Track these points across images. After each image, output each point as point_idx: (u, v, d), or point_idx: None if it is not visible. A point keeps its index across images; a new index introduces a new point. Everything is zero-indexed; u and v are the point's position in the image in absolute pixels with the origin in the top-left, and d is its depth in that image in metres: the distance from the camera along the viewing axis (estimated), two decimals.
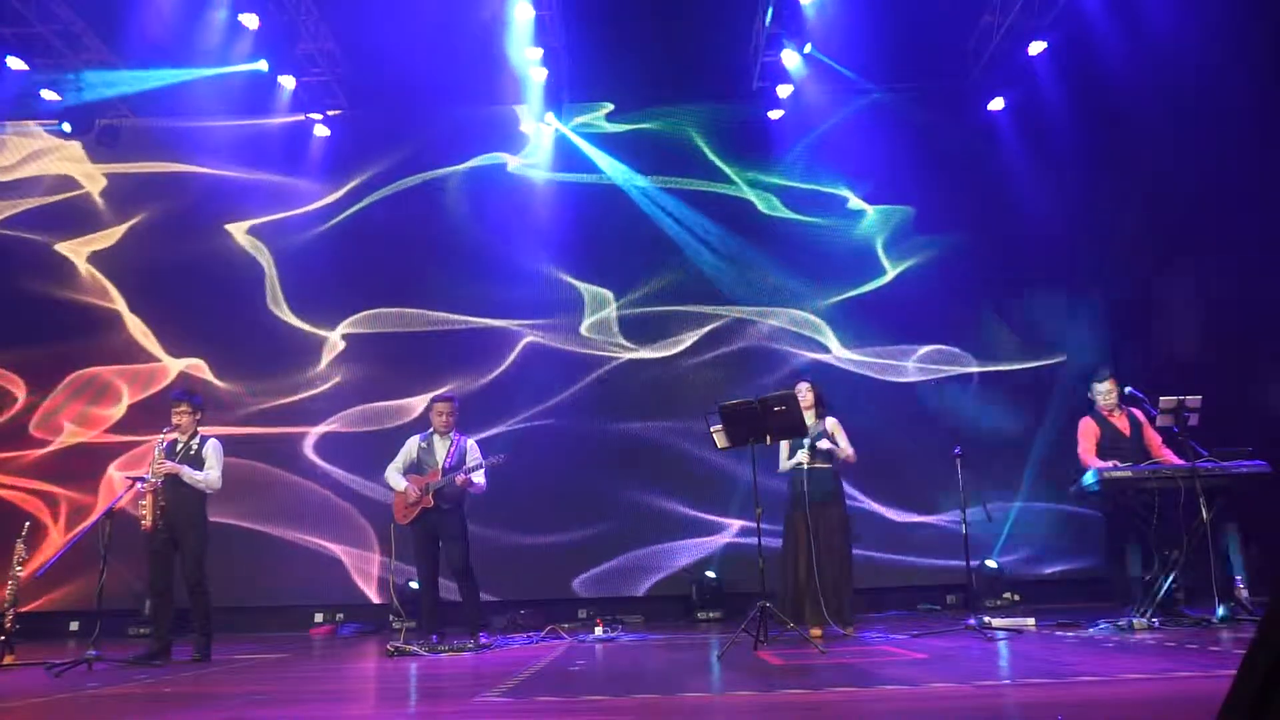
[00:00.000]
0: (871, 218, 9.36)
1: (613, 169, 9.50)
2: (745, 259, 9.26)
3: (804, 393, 6.00)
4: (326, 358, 9.19)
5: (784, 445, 5.99)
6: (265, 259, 9.38)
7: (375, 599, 8.65)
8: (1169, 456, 5.80)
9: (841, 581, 5.80)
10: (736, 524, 8.66)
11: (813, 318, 9.16)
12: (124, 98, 9.22)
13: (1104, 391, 6.09)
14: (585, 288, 9.29)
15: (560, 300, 9.25)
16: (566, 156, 9.55)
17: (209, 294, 9.21)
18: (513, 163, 9.57)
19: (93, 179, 9.56)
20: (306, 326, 9.28)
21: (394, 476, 6.29)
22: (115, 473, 8.84)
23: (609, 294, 9.26)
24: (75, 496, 8.86)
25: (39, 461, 8.96)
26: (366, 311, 9.26)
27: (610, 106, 9.63)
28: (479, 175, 9.51)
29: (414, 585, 7.84)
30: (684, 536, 8.73)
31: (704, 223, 9.35)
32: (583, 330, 9.19)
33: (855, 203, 9.39)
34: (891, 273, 9.22)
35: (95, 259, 9.38)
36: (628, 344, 9.16)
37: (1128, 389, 6.07)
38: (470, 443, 6.45)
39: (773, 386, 7.45)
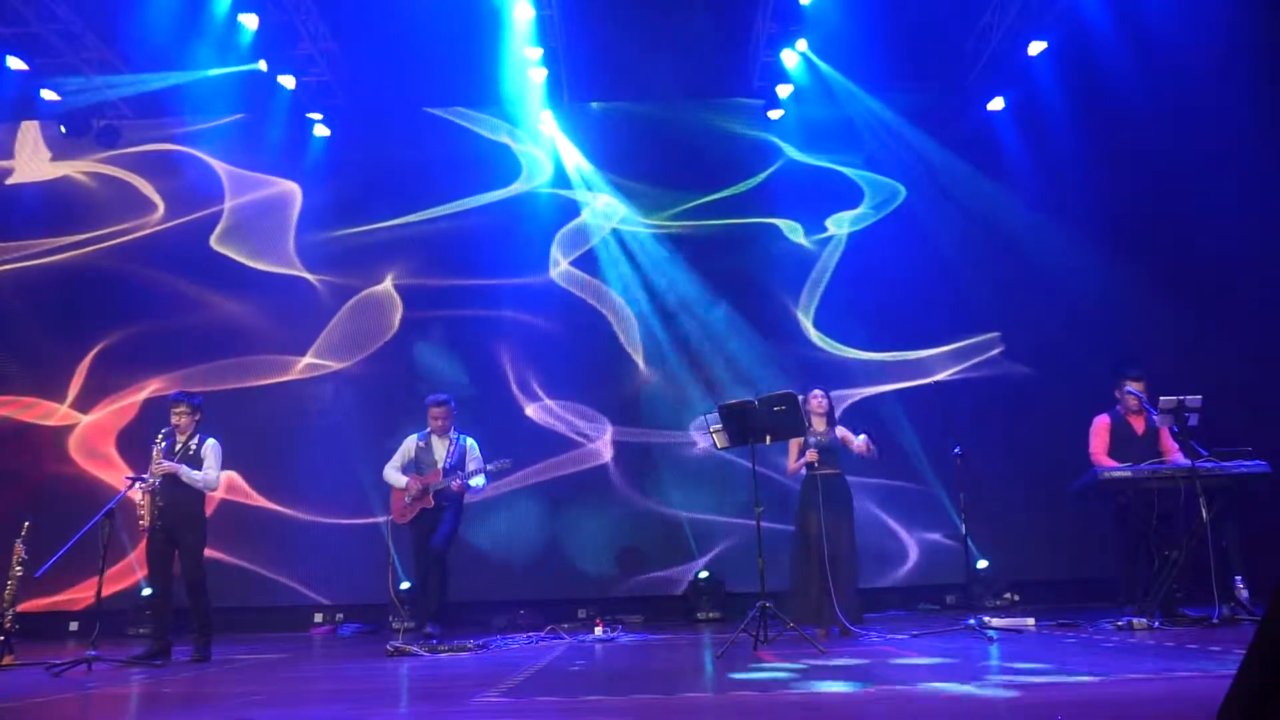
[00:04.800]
0: (871, 218, 9.35)
1: (610, 165, 9.50)
2: (742, 255, 9.27)
3: (820, 398, 6.03)
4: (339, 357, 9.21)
5: (792, 446, 5.98)
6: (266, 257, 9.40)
7: (375, 599, 8.63)
8: (1177, 459, 5.75)
9: (855, 581, 5.87)
10: (737, 522, 8.66)
11: (815, 325, 9.18)
12: (124, 98, 9.23)
13: (1136, 390, 6.07)
14: (587, 283, 9.29)
15: (561, 297, 9.26)
16: (565, 156, 9.51)
17: (209, 295, 9.22)
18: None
19: (91, 179, 9.55)
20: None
21: (393, 475, 6.27)
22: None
23: (610, 291, 9.27)
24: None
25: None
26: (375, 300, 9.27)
27: (608, 105, 9.62)
28: (478, 174, 9.48)
29: (405, 586, 7.82)
30: (691, 536, 8.73)
31: (703, 219, 9.35)
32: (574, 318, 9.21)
33: (853, 201, 9.38)
34: (888, 271, 9.19)
35: (95, 259, 9.37)
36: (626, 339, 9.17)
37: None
38: (470, 443, 6.40)
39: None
